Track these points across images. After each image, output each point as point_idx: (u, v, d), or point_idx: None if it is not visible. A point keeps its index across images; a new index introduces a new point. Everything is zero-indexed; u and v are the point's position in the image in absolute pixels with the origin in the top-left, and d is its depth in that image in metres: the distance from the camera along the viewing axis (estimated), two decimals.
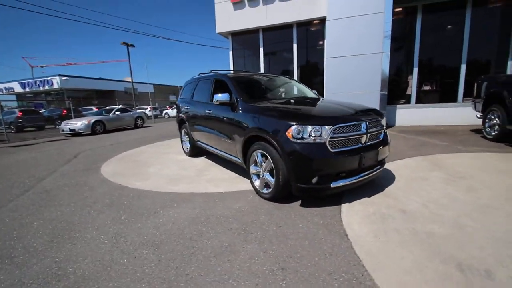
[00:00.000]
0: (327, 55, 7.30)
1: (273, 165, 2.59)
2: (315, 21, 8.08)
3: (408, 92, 7.80)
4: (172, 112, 25.37)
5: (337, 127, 2.42)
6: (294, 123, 2.41)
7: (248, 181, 3.44)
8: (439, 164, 3.75)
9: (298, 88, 4.19)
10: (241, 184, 3.38)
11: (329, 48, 7.28)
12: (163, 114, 25.68)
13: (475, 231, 2.02)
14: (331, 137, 2.39)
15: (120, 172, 4.26)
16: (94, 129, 10.51)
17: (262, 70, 8.96)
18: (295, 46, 8.45)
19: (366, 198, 2.71)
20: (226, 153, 3.62)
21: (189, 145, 4.98)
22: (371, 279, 1.55)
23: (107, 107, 13.39)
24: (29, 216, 2.70)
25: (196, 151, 4.94)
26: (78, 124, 10.21)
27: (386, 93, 7.03)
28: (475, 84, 5.71)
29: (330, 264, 1.71)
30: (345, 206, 2.55)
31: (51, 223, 2.51)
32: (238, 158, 3.31)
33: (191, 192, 3.18)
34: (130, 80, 20.02)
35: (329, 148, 2.39)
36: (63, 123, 10.66)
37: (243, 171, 3.82)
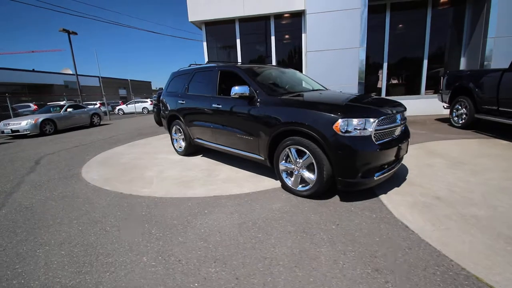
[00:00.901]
0: (308, 48, 7.39)
1: (314, 161, 2.48)
2: (292, 14, 8.08)
3: (378, 86, 8.39)
4: (128, 108, 23.23)
5: (381, 119, 2.42)
6: (342, 116, 2.33)
7: (268, 178, 3.29)
8: (433, 152, 4.09)
9: (306, 80, 4.12)
10: (262, 182, 3.20)
11: (309, 41, 7.37)
12: (116, 110, 23.33)
13: (508, 210, 2.22)
14: (375, 130, 2.38)
15: (111, 177, 3.68)
16: (43, 129, 8.98)
17: (240, 63, 8.65)
18: (273, 38, 8.36)
19: (396, 188, 2.80)
20: (241, 150, 3.39)
21: (183, 144, 4.56)
22: (463, 268, 1.58)
23: (55, 103, 11.55)
24: (23, 242, 2.14)
25: (192, 149, 4.55)
26: (23, 124, 8.59)
27: (363, 87, 7.44)
28: (441, 78, 6.37)
29: (416, 258, 1.69)
30: (383, 198, 2.58)
31: (62, 248, 2.02)
32: (259, 155, 3.13)
33: (214, 195, 2.89)
34: (70, 73, 17.59)
35: (374, 141, 2.38)
36: (2, 123, 8.85)
37: (257, 168, 3.64)
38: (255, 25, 8.49)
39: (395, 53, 8.04)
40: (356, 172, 2.35)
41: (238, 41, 8.48)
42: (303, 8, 7.72)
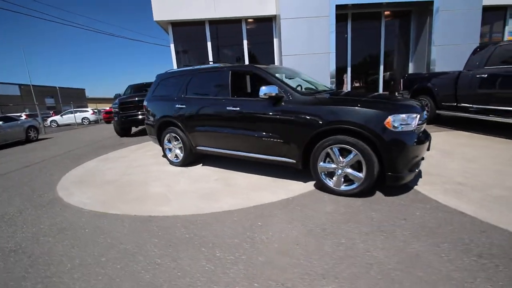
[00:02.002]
0: (283, 52, 7.54)
1: (362, 159, 2.48)
2: (264, 19, 8.16)
3: (344, 89, 9.05)
4: (64, 119, 20.09)
5: (420, 115, 2.56)
6: (392, 112, 2.39)
7: (293, 181, 3.18)
8: None
9: (310, 80, 4.11)
10: (291, 186, 3.06)
11: (285, 46, 7.52)
12: (49, 122, 19.92)
13: None
14: (417, 124, 2.51)
15: (108, 199, 3.06)
16: None
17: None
18: (245, 42, 8.28)
19: (421, 179, 3.00)
20: (264, 154, 3.20)
21: (181, 153, 4.10)
22: None
23: None
24: None
25: (191, 159, 4.12)
26: None
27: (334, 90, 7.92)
28: (402, 80, 7.21)
29: (498, 239, 1.80)
30: (418, 189, 2.73)
31: None
32: (288, 158, 3.00)
33: (253, 205, 2.65)
34: None
35: (417, 136, 2.50)
36: None
37: (272, 172, 3.49)
38: (226, 28, 8.29)
39: (357, 58, 8.81)
40: (405, 166, 2.43)
41: (209, 44, 8.15)
42: (274, 13, 7.87)
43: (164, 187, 3.34)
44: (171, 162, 4.31)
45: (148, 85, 9.78)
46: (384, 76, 8.97)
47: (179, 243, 2.06)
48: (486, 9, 7.84)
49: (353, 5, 7.86)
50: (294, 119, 2.82)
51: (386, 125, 2.37)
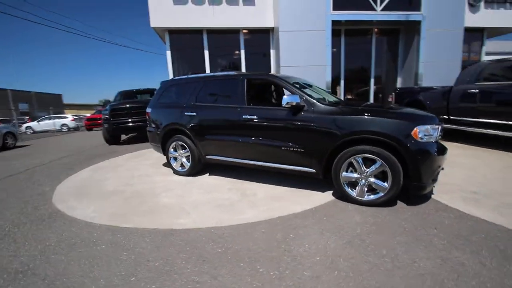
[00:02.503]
0: (282, 63, 7.64)
1: (388, 168, 2.50)
2: (262, 30, 8.27)
3: None
4: (41, 125, 18.92)
5: (440, 127, 2.64)
6: (418, 123, 2.45)
7: (313, 192, 3.14)
8: None
9: (322, 91, 4.13)
10: (313, 196, 3.01)
11: (283, 57, 7.63)
12: (23, 128, 18.64)
13: None
14: (438, 135, 2.58)
15: (117, 212, 2.84)
16: None
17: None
18: (242, 52, 8.32)
19: (437, 188, 3.06)
20: (282, 164, 3.14)
21: (188, 162, 3.94)
22: None
23: None
24: None
25: (198, 168, 3.97)
26: None
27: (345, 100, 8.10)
28: (394, 93, 7.52)
29: None
30: (438, 198, 2.78)
31: None
32: (309, 168, 2.96)
33: (277, 216, 2.57)
34: None
35: (438, 146, 2.57)
36: None
37: (287, 182, 3.43)
38: (224, 38, 8.30)
39: (349, 71, 9.11)
40: (430, 176, 2.48)
41: (206, 52, 8.10)
42: (272, 26, 8.01)
43: (176, 197, 3.17)
44: (176, 172, 4.12)
45: (140, 91, 9.54)
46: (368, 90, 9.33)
47: (212, 258, 1.92)
48: (466, 30, 8.47)
49: (346, 21, 8.18)
50: (317, 129, 2.81)
51: (413, 135, 2.42)
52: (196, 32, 7.97)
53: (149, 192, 3.42)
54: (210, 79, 3.78)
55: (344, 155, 2.69)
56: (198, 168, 3.97)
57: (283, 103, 2.88)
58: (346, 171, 2.74)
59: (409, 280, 1.59)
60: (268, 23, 7.95)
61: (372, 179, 2.63)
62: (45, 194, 3.63)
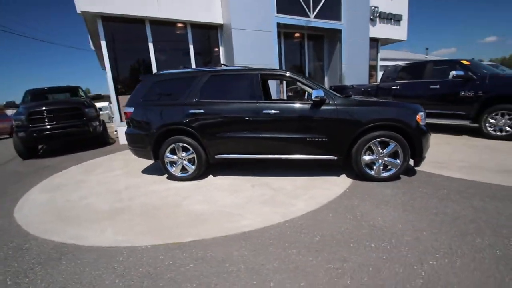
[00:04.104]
0: (236, 61, 7.65)
1: (400, 148, 3.10)
2: (210, 26, 8.00)
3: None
4: None
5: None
6: (420, 110, 3.12)
7: (330, 177, 3.47)
8: None
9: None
10: (333, 180, 3.35)
11: (237, 55, 7.65)
12: None
13: None
14: None
15: (150, 230, 2.39)
16: None
17: (154, 70, 7.37)
18: (191, 47, 7.83)
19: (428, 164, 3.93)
20: (305, 154, 3.34)
21: (192, 165, 3.60)
22: None
23: None
24: None
25: (203, 170, 3.68)
26: None
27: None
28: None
29: None
30: (423, 169, 3.61)
31: None
32: (330, 155, 3.29)
33: (326, 202, 2.78)
34: None
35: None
36: None
37: (300, 172, 3.67)
38: (171, 31, 7.59)
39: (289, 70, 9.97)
40: (426, 151, 3.22)
41: (150, 45, 7.21)
42: (221, 22, 7.89)
43: (205, 203, 2.89)
44: (174, 177, 3.68)
45: (55, 90, 7.64)
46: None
47: (322, 247, 1.97)
48: (370, 40, 10.72)
49: (284, 24, 8.93)
50: (341, 119, 3.15)
51: (418, 120, 3.08)
52: (138, 22, 7.00)
53: (163, 203, 2.97)
54: (217, 74, 3.54)
55: (364, 140, 3.14)
56: (203, 170, 3.67)
57: (313, 96, 3.08)
58: (368, 154, 3.21)
59: (456, 218, 2.12)
60: (217, 19, 7.79)
61: (387, 159, 3.18)
62: (9, 225, 2.60)
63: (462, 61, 5.78)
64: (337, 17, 9.66)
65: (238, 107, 3.40)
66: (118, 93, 7.01)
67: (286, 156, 3.40)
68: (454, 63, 5.85)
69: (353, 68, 10.03)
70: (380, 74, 9.84)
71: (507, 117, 4.92)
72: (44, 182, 4.12)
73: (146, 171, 4.33)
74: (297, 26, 9.11)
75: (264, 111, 3.30)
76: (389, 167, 3.22)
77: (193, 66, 7.91)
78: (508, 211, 2.30)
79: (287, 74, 3.52)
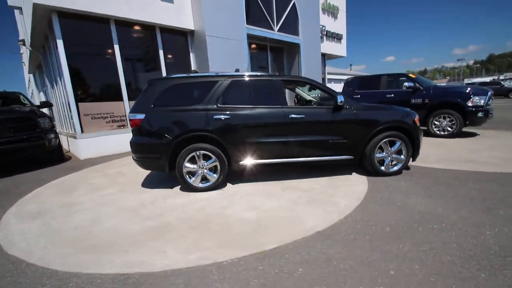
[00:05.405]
0: (211, 69, 7.49)
1: (404, 146, 3.63)
2: (181, 32, 7.64)
3: None
4: None
5: None
6: (416, 114, 3.71)
7: (344, 176, 3.80)
8: None
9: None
10: (352, 179, 3.65)
11: (212, 62, 7.49)
12: None
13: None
14: None
15: (223, 243, 2.20)
16: None
17: (122, 76, 6.56)
18: (161, 52, 7.30)
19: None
20: (324, 156, 3.57)
21: (213, 173, 3.41)
22: None
23: None
24: None
25: (223, 178, 3.53)
26: None
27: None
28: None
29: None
30: (414, 164, 4.26)
31: None
32: (348, 156, 3.61)
33: (364, 196, 3.04)
34: None
35: None
36: None
37: (313, 173, 3.89)
38: (139, 34, 6.94)
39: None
40: (420, 147, 3.83)
41: (116, 47, 6.45)
42: (192, 28, 7.66)
43: (250, 211, 2.79)
44: (193, 188, 3.40)
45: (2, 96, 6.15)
46: None
47: (400, 235, 2.17)
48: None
49: (251, 35, 9.24)
50: (360, 121, 3.51)
51: (415, 121, 3.66)
52: (102, 22, 6.20)
53: (204, 215, 2.74)
54: (239, 79, 3.47)
55: (376, 140, 3.56)
56: (224, 178, 3.51)
57: (338, 101, 3.35)
58: (379, 152, 3.63)
59: (472, 198, 2.66)
60: (188, 24, 7.54)
61: (394, 155, 3.67)
62: (36, 269, 1.98)
63: (410, 75, 7.06)
64: (296, 32, 10.50)
65: (265, 112, 3.42)
66: (77, 99, 6.01)
67: (308, 159, 3.56)
68: (403, 76, 7.10)
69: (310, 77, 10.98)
70: (328, 86, 11.12)
71: (448, 119, 6.20)
72: (12, 210, 3.24)
73: (146, 185, 3.87)
74: (262, 38, 9.52)
75: (290, 116, 3.41)
76: (394, 162, 3.71)
77: (163, 71, 7.42)
78: (502, 190, 2.95)
79: (308, 80, 3.72)
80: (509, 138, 5.87)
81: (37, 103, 7.80)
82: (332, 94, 3.56)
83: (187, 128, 3.29)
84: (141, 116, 3.30)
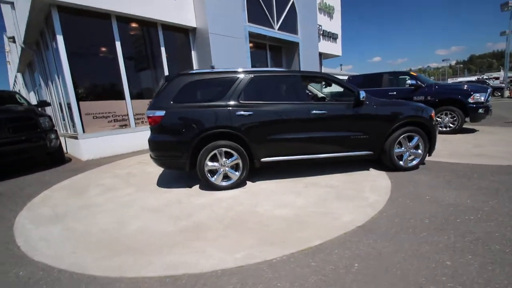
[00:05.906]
0: (215, 66, 7.38)
1: (422, 141, 3.68)
2: (183, 29, 7.49)
3: None
4: None
5: None
6: (432, 110, 3.77)
7: (362, 172, 3.82)
8: None
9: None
10: (372, 174, 3.68)
11: (215, 60, 7.38)
12: None
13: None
14: None
15: (278, 240, 2.15)
16: None
17: (124, 74, 6.35)
18: (163, 49, 7.13)
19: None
20: (344, 152, 3.58)
21: (235, 171, 3.35)
22: None
23: None
24: None
25: (245, 176, 3.47)
26: None
27: None
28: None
29: None
30: (444, 160, 4.33)
31: None
32: (368, 151, 3.62)
33: (390, 191, 3.05)
34: None
35: None
36: None
37: (332, 169, 3.89)
38: (141, 30, 6.75)
39: None
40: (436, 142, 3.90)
41: (118, 44, 6.24)
42: (194, 26, 7.53)
43: (283, 208, 2.75)
44: (215, 187, 3.33)
45: None
46: None
47: (441, 227, 2.18)
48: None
49: (252, 33, 9.19)
50: (380, 116, 3.53)
51: (432, 117, 3.72)
52: (103, 17, 5.99)
53: (236, 213, 2.68)
54: (260, 75, 3.41)
55: (396, 135, 3.59)
56: (245, 176, 3.45)
57: (360, 97, 3.35)
58: (399, 147, 3.66)
59: (496, 189, 2.74)
60: (190, 22, 7.40)
61: (413, 150, 3.71)
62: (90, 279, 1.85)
63: (411, 73, 7.20)
64: (295, 31, 10.52)
65: (289, 108, 3.38)
66: (78, 98, 5.78)
67: (330, 155, 3.55)
68: (405, 74, 7.23)
69: None
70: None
71: (449, 116, 6.37)
72: (24, 214, 3.06)
73: (162, 184, 3.77)
74: (262, 36, 9.48)
75: (313, 111, 3.38)
76: (412, 157, 3.76)
77: (165, 69, 7.25)
78: None
79: (328, 76, 3.70)
80: (505, 133, 6.09)
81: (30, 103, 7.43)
82: (353, 90, 3.56)
83: (210, 125, 3.20)
84: (161, 113, 3.19)
